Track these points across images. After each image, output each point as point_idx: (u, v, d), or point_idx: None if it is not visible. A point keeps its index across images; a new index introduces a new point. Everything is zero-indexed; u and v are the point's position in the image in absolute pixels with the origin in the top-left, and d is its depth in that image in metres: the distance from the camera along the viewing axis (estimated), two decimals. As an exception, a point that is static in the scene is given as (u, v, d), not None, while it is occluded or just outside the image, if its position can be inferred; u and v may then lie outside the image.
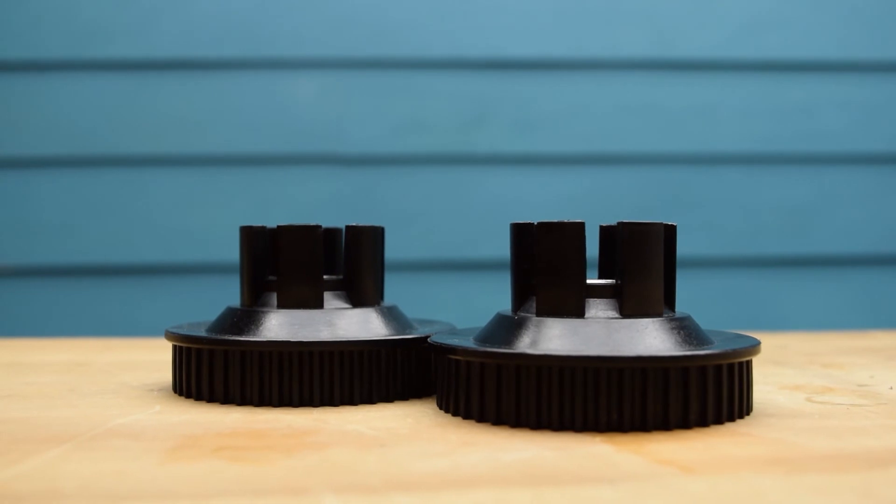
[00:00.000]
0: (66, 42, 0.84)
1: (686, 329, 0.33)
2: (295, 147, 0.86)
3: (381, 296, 0.40)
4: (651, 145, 0.88)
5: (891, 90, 0.89)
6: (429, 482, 0.25)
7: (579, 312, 0.33)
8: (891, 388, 0.39)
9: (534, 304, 0.34)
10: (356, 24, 0.86)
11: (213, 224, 0.85)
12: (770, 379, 0.41)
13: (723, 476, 0.26)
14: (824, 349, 0.52)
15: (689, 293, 0.90)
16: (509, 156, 0.87)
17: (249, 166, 0.85)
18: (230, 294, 0.86)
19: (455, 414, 0.34)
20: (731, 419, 0.32)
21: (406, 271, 0.83)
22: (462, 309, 0.85)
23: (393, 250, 0.84)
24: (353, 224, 0.39)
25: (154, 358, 0.50)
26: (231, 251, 0.85)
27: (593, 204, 0.87)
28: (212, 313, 0.84)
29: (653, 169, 0.88)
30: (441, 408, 0.35)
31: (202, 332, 0.38)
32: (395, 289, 0.77)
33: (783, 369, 0.45)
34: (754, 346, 0.33)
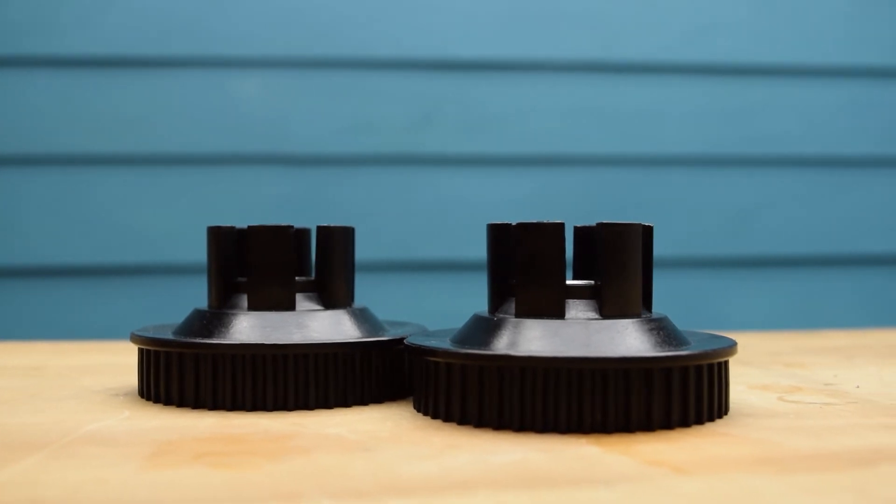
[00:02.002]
0: (3, 38, 0.82)
1: (664, 329, 0.33)
2: (240, 147, 0.85)
3: (352, 297, 0.40)
4: (598, 147, 0.88)
5: (830, 95, 0.91)
6: (422, 486, 0.25)
7: (559, 313, 0.33)
8: (857, 386, 0.40)
9: (513, 305, 0.34)
10: (302, 23, 0.85)
11: (156, 224, 0.83)
12: (738, 379, 0.42)
13: (715, 476, 0.26)
14: (784, 349, 0.53)
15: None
16: (457, 156, 0.87)
17: (193, 166, 0.84)
18: (177, 295, 0.85)
19: (434, 417, 0.33)
20: (711, 419, 0.33)
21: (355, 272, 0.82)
22: (411, 310, 0.85)
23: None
24: (325, 224, 0.39)
25: (111, 361, 0.49)
26: (176, 251, 0.83)
27: (541, 205, 0.87)
28: (160, 314, 0.82)
29: (599, 170, 0.88)
30: (419, 410, 0.35)
31: (171, 335, 0.37)
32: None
33: (748, 369, 0.45)
34: (732, 347, 0.34)
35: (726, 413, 0.34)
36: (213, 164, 0.84)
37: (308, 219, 0.84)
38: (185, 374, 0.35)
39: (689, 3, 0.89)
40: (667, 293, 0.79)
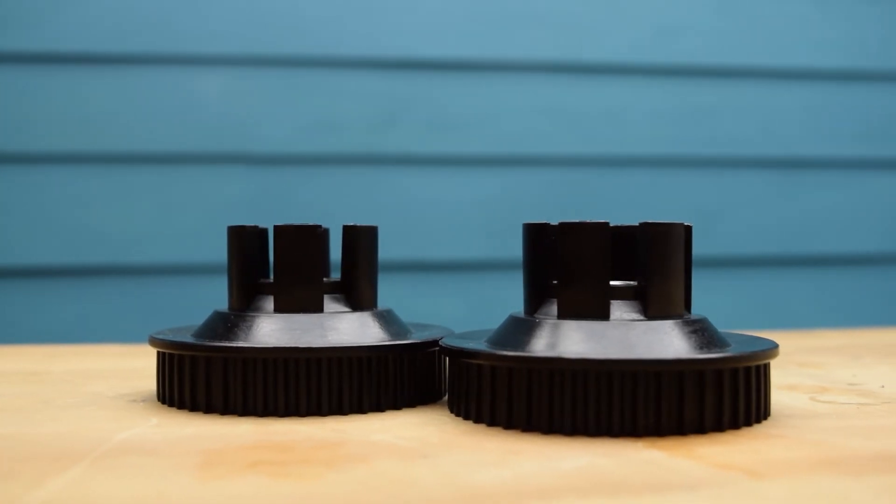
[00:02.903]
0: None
1: (707, 331, 0.33)
2: (201, 146, 0.83)
3: (376, 299, 0.39)
4: (562, 147, 0.88)
5: (790, 97, 0.92)
6: (503, 494, 0.24)
7: (604, 314, 0.32)
8: (882, 386, 0.40)
9: (553, 306, 0.33)
10: (266, 21, 0.83)
11: (118, 224, 0.81)
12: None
13: (793, 480, 0.25)
14: (786, 349, 0.53)
15: None
16: (421, 157, 0.87)
17: (153, 165, 0.82)
18: (141, 295, 0.83)
19: (477, 421, 0.33)
20: (758, 420, 0.32)
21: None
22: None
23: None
24: (351, 224, 0.38)
25: (113, 366, 0.47)
26: (139, 252, 0.81)
27: (506, 205, 0.87)
28: (123, 315, 0.80)
29: (563, 171, 0.88)
30: (458, 414, 0.34)
31: (192, 339, 0.35)
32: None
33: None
34: (776, 348, 0.33)
35: (769, 414, 0.33)
36: (176, 163, 0.83)
37: (271, 219, 0.82)
38: (213, 378, 0.34)
39: (652, 6, 0.90)
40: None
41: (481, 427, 0.32)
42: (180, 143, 0.83)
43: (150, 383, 0.41)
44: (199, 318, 0.81)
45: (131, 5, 0.81)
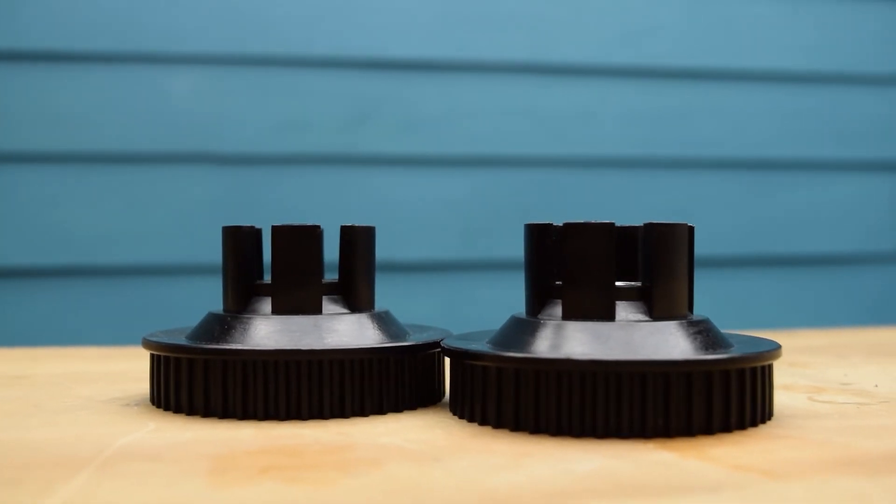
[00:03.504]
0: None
1: (711, 331, 0.33)
2: (170, 146, 0.82)
3: (374, 300, 0.38)
4: (533, 148, 0.88)
5: (759, 98, 0.93)
6: (526, 498, 0.24)
7: (609, 315, 0.32)
8: (875, 385, 0.40)
9: (557, 307, 0.33)
10: (236, 19, 0.82)
11: (84, 225, 0.80)
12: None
13: (811, 481, 0.25)
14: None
15: None
16: (392, 157, 0.86)
17: (122, 165, 0.81)
18: (108, 297, 0.82)
19: (482, 423, 0.32)
20: (763, 421, 0.32)
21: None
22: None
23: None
24: (349, 224, 0.37)
25: (99, 368, 0.46)
26: (106, 252, 0.80)
27: (476, 205, 0.87)
28: (92, 316, 0.79)
29: (534, 171, 0.88)
30: (461, 416, 0.33)
31: (192, 342, 0.35)
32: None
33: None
34: (779, 349, 0.33)
35: (772, 415, 0.33)
36: (146, 163, 0.81)
37: (241, 219, 0.81)
38: (212, 382, 0.33)
39: (623, 7, 0.90)
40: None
41: (487, 429, 0.32)
42: (149, 142, 0.82)
43: (140, 386, 0.40)
44: (172, 318, 0.80)
45: (100, 3, 0.80)
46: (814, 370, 0.45)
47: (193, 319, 0.85)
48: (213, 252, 0.81)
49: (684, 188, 0.91)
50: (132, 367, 0.46)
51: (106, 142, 0.81)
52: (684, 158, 0.91)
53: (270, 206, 0.83)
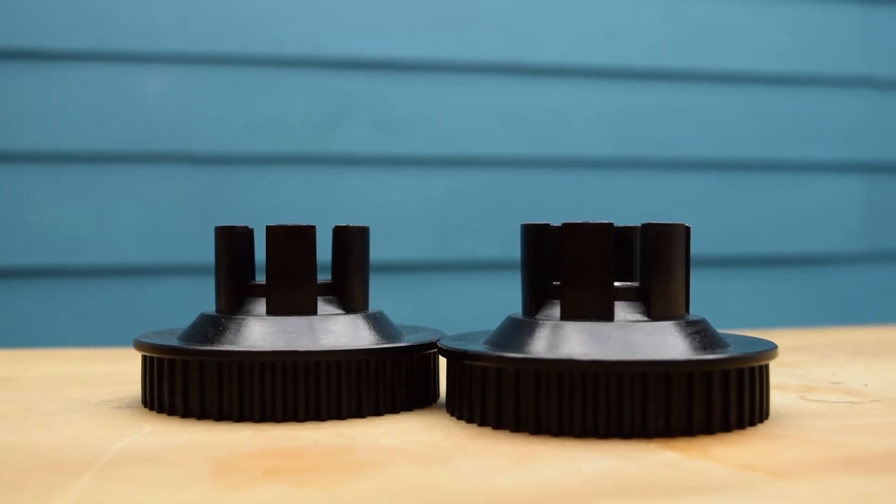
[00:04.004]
0: None
1: (708, 331, 0.33)
2: (144, 145, 0.81)
3: (368, 301, 0.38)
4: (507, 148, 0.88)
5: (731, 99, 0.93)
6: (536, 500, 0.24)
7: (608, 316, 0.32)
8: (865, 384, 0.40)
9: (555, 308, 0.33)
10: (210, 19, 0.82)
11: (56, 225, 0.79)
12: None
13: (818, 481, 0.25)
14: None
15: None
16: (366, 157, 0.86)
17: (94, 164, 0.80)
18: (78, 298, 0.81)
19: (482, 423, 0.32)
20: (761, 420, 0.32)
21: (259, 274, 0.79)
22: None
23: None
24: (343, 224, 0.37)
25: (85, 370, 0.46)
26: (78, 253, 0.79)
27: (451, 205, 0.86)
28: (64, 318, 0.78)
29: (508, 171, 0.88)
30: (460, 417, 0.33)
31: (186, 343, 0.34)
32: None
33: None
34: (776, 348, 0.34)
35: (769, 414, 0.34)
36: (118, 163, 0.81)
37: (215, 219, 0.81)
38: (207, 384, 0.33)
39: (596, 8, 0.90)
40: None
41: (487, 430, 0.32)
42: (124, 142, 0.81)
43: (129, 388, 0.40)
44: (148, 318, 0.80)
45: (73, 1, 0.79)
46: (802, 370, 0.45)
47: (169, 320, 0.84)
48: (189, 252, 0.81)
49: (659, 189, 0.92)
50: (119, 369, 0.45)
51: (80, 141, 0.80)
52: (659, 159, 0.92)
53: (245, 205, 0.82)
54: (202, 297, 0.81)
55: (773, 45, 0.95)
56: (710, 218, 0.92)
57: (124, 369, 0.45)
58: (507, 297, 0.88)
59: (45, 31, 0.79)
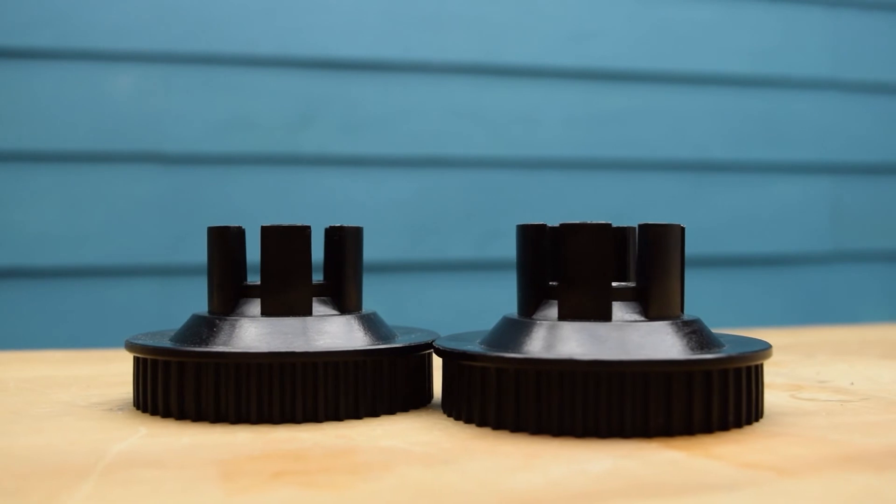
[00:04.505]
0: None
1: (703, 331, 0.33)
2: (112, 144, 0.81)
3: (361, 301, 0.38)
4: (476, 149, 0.89)
5: (699, 101, 0.94)
6: (551, 500, 0.24)
7: (606, 316, 0.32)
8: (851, 383, 0.41)
9: (552, 308, 0.33)
10: (179, 17, 0.81)
11: (22, 226, 0.78)
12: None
13: (823, 478, 0.25)
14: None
15: (510, 294, 0.91)
16: (336, 157, 0.86)
17: (63, 164, 0.79)
18: (44, 299, 0.80)
19: (481, 424, 0.32)
20: (757, 419, 0.33)
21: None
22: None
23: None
24: (337, 225, 0.37)
25: (67, 372, 0.45)
26: (46, 253, 0.78)
27: (420, 206, 0.86)
28: (30, 319, 0.77)
29: (477, 172, 0.88)
30: (458, 417, 0.33)
31: (174, 344, 0.34)
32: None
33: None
34: (771, 348, 0.34)
35: (763, 413, 0.34)
36: (85, 162, 0.80)
37: (184, 220, 0.80)
38: (204, 385, 0.33)
39: (566, 10, 0.91)
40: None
41: (487, 430, 0.32)
42: (91, 141, 0.80)
43: (118, 390, 0.39)
44: (114, 321, 0.79)
45: (40, -1, 0.78)
46: (787, 369, 0.46)
47: (137, 321, 0.83)
48: (158, 253, 0.80)
49: (626, 189, 0.92)
50: (103, 371, 0.45)
51: (47, 140, 0.79)
52: (626, 160, 0.92)
53: (214, 206, 0.82)
54: (171, 299, 0.81)
55: (741, 48, 0.95)
56: (679, 219, 0.93)
57: (108, 371, 0.44)
58: (477, 297, 0.89)
59: (12, 29, 0.78)
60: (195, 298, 0.81)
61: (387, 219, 0.86)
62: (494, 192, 0.88)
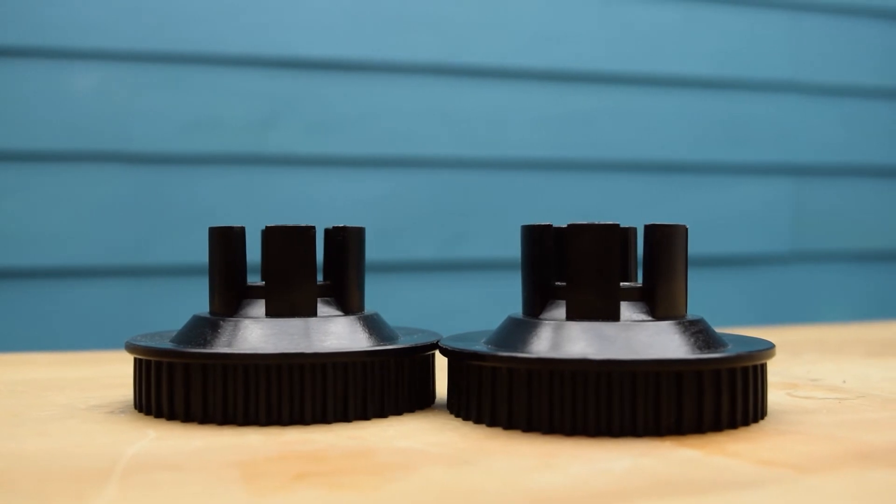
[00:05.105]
0: None
1: (708, 330, 0.34)
2: (75, 144, 0.80)
3: (364, 302, 0.38)
4: (444, 149, 0.89)
5: (664, 103, 0.95)
6: (580, 499, 0.24)
7: (614, 316, 0.32)
8: (844, 381, 0.42)
9: (558, 309, 0.33)
10: (143, 15, 0.80)
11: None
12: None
13: (843, 474, 0.26)
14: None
15: (478, 295, 0.91)
16: (302, 157, 0.85)
17: (25, 163, 0.78)
18: (6, 301, 0.78)
19: (491, 424, 0.32)
20: (762, 417, 0.33)
21: (195, 276, 0.77)
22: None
23: (181, 254, 0.79)
24: (339, 225, 0.36)
25: (60, 375, 0.44)
26: (5, 255, 0.77)
27: (388, 206, 0.87)
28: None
29: (445, 172, 0.89)
30: (466, 417, 0.33)
31: (184, 346, 0.33)
32: (191, 296, 0.72)
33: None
34: (774, 347, 0.34)
35: (766, 412, 0.34)
36: (48, 162, 0.79)
37: (148, 220, 0.79)
38: (211, 387, 0.32)
39: (534, 11, 0.91)
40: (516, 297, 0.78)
41: (498, 430, 0.32)
42: (54, 140, 0.79)
43: (116, 392, 0.39)
44: (80, 322, 0.77)
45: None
46: (778, 367, 0.46)
47: (105, 322, 0.82)
48: (123, 253, 0.79)
49: (593, 190, 0.93)
50: (96, 373, 0.44)
51: (8, 139, 0.78)
52: (593, 161, 0.93)
53: (180, 206, 0.81)
54: (138, 299, 0.80)
55: (705, 51, 0.97)
56: (643, 219, 0.93)
57: (102, 373, 0.44)
58: (445, 297, 0.88)
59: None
60: (163, 299, 0.80)
61: (353, 219, 0.85)
62: (462, 193, 0.89)
